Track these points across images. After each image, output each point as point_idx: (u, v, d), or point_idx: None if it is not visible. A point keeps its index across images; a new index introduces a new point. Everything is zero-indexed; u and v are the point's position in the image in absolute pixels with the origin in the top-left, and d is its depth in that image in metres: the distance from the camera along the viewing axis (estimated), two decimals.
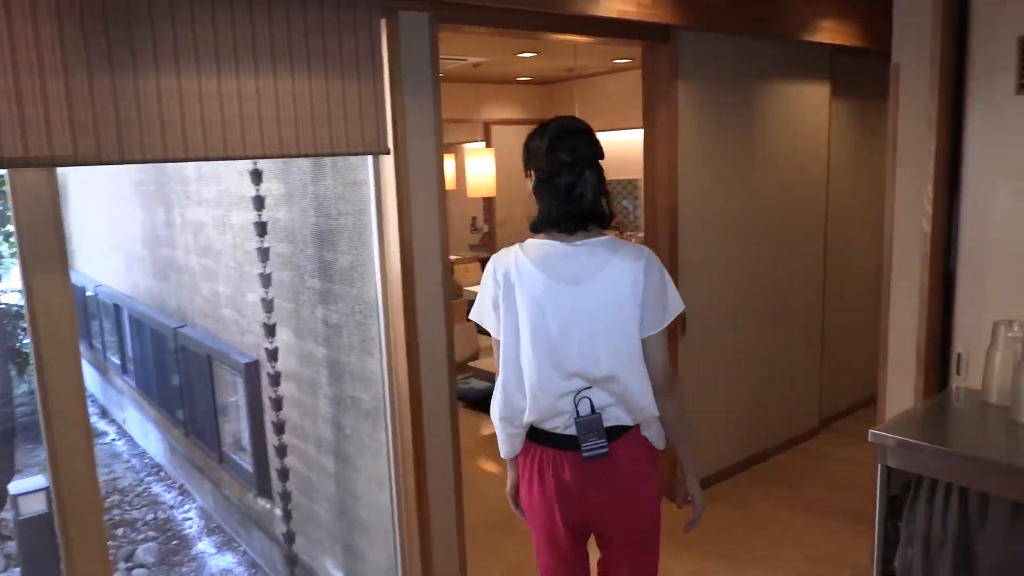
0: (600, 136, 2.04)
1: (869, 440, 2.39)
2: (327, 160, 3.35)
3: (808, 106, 4.67)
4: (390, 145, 2.89)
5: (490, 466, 4.99)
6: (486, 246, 11.46)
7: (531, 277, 1.95)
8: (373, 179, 3.01)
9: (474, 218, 12.45)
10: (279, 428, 3.93)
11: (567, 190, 1.94)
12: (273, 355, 3.94)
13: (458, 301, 7.04)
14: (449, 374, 3.19)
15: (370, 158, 2.99)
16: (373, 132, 2.78)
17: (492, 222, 10.83)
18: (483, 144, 10.42)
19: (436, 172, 3.06)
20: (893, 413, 2.95)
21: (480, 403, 6.01)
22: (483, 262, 11.28)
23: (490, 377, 5.20)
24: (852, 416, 5.57)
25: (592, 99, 8.99)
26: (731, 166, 4.26)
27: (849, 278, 5.38)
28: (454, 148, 11.79)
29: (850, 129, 5.19)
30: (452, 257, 11.62)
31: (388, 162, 2.93)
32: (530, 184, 2.03)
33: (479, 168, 8.15)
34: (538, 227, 2.04)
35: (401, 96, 2.88)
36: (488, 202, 10.62)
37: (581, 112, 10.58)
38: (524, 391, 1.96)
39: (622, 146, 7.27)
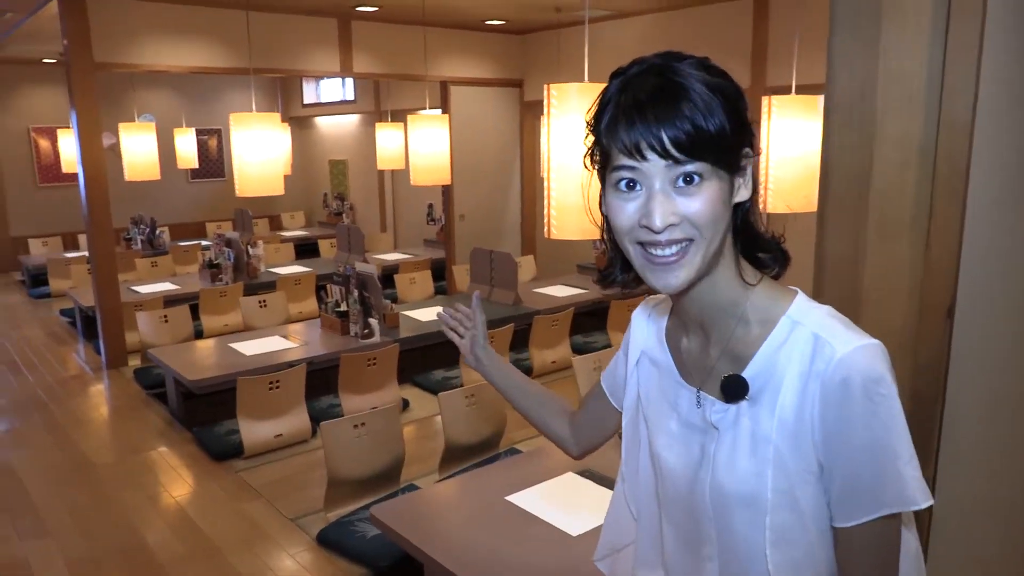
0: None
1: None
2: None
3: None
4: None
5: None
6: (443, 243, 8.96)
7: None
8: None
9: (431, 205, 9.94)
10: None
11: None
12: None
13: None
14: None
15: None
16: None
17: (450, 215, 8.28)
18: (439, 111, 7.86)
19: None
20: None
21: None
22: (435, 265, 8.83)
23: None
24: None
25: (582, 54, 6.55)
26: None
27: None
28: (401, 116, 9.21)
29: None
30: (398, 258, 9.14)
31: None
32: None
33: (427, 144, 5.60)
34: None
35: None
36: (447, 189, 8.08)
37: (569, 71, 8.04)
38: None
39: None
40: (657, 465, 1.12)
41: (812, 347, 0.94)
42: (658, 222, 0.90)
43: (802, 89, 3.58)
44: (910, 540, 1.01)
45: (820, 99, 3.47)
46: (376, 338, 5.05)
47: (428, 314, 5.75)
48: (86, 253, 7.93)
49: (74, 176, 8.49)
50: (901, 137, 1.11)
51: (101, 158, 5.82)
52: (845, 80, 1.15)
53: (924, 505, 0.92)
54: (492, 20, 7.10)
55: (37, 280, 9.02)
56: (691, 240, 0.92)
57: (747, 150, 0.94)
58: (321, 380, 4.85)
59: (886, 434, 0.91)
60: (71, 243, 10.29)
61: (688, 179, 0.90)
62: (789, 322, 0.97)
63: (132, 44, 5.91)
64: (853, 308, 1.17)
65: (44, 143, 10.59)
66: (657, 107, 0.89)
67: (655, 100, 0.89)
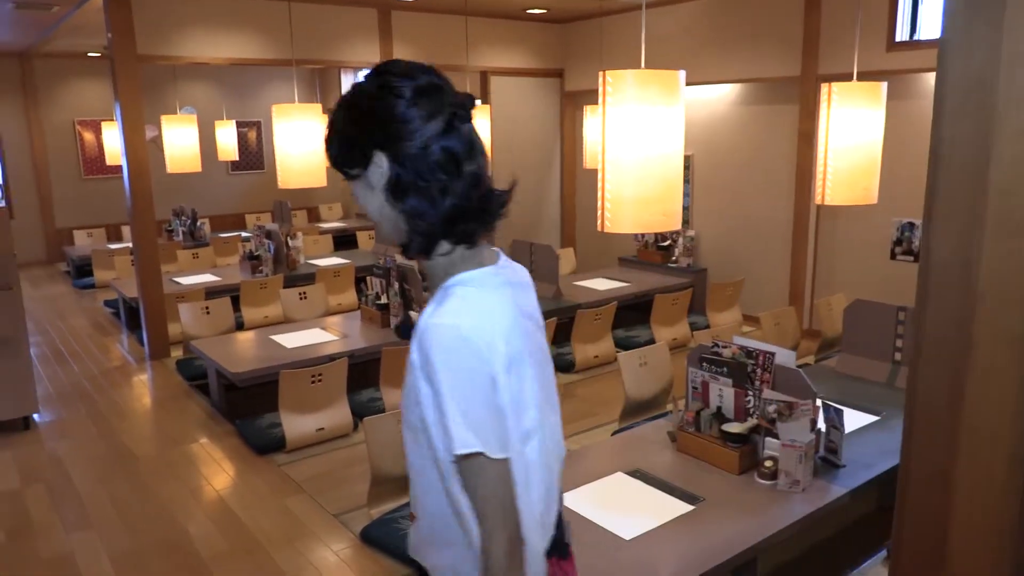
0: None
1: None
2: None
3: None
4: None
5: None
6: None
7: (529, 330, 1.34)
8: None
9: None
10: None
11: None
12: None
13: None
14: None
15: None
16: None
17: None
18: (479, 102, 7.78)
19: None
20: None
21: None
22: None
23: None
24: None
25: (629, 43, 6.44)
26: None
27: None
28: None
29: None
30: None
31: None
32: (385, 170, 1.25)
33: None
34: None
35: None
36: None
37: (612, 61, 7.92)
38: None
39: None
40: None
41: (431, 310, 1.20)
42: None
43: (859, 76, 3.43)
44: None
45: (883, 86, 3.32)
46: None
47: None
48: (130, 244, 8.01)
49: (118, 168, 8.58)
50: None
51: (144, 150, 5.84)
52: (961, 63, 1.04)
53: (459, 452, 1.15)
54: (533, 9, 6.98)
55: (82, 271, 9.15)
56: None
57: (374, 151, 1.20)
58: (361, 373, 4.82)
59: (438, 395, 1.16)
60: (115, 234, 10.43)
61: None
62: (444, 289, 1.24)
63: (175, 36, 5.92)
64: (966, 314, 1.06)
65: (89, 136, 10.73)
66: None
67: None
